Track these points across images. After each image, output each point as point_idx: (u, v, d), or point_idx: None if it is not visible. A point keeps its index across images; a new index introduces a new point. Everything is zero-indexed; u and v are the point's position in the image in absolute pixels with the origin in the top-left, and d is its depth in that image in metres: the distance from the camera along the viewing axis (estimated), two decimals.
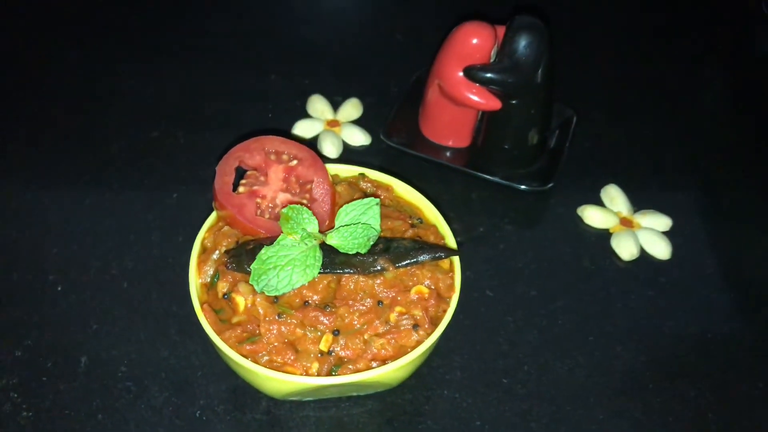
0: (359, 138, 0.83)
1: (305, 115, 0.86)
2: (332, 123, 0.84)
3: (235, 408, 0.61)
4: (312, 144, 0.82)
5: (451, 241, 0.61)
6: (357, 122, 0.85)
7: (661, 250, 0.74)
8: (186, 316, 0.66)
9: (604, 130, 0.87)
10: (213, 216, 0.62)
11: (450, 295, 0.57)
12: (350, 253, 0.56)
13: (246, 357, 0.53)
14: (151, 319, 0.67)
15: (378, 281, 0.56)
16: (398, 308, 0.55)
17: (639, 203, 0.78)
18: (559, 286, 0.72)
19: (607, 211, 0.77)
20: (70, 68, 0.90)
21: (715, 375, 0.65)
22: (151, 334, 0.66)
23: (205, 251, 0.60)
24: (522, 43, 0.71)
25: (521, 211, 0.78)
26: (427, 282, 0.57)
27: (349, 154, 0.82)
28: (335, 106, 0.87)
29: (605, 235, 0.76)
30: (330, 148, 0.81)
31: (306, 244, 0.56)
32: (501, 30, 0.74)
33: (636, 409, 0.63)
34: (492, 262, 0.73)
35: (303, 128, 0.84)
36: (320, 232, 0.58)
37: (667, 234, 0.76)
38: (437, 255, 0.57)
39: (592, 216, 0.77)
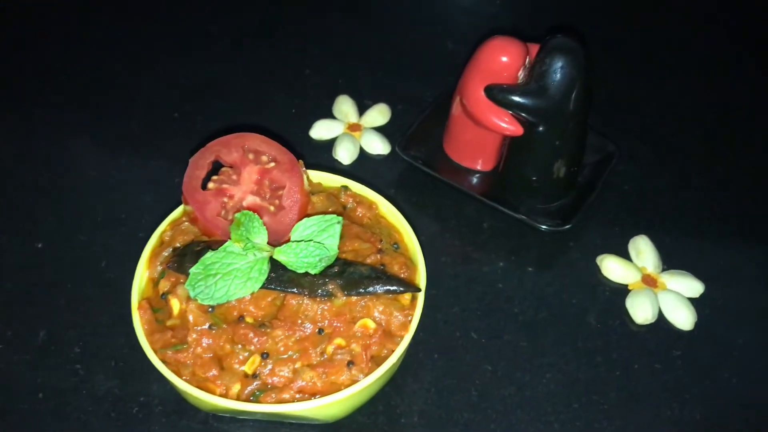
0: (378, 146, 0.78)
1: (330, 114, 0.82)
2: (353, 127, 0.80)
3: (174, 411, 0.58)
4: (327, 147, 0.78)
5: (420, 276, 0.56)
6: (380, 129, 0.80)
7: (683, 318, 0.65)
8: None
9: (648, 173, 0.77)
10: (179, 209, 0.59)
11: (402, 335, 0.52)
12: (299, 271, 0.52)
13: (168, 364, 0.50)
14: (119, 304, 0.64)
15: (324, 307, 0.51)
16: (338, 340, 0.51)
17: (670, 261, 0.69)
18: (553, 341, 0.64)
19: (630, 265, 0.69)
20: (120, 45, 0.91)
21: None
22: (113, 319, 0.64)
23: (162, 245, 0.57)
24: (553, 66, 0.64)
25: (533, 250, 0.71)
26: (378, 316, 0.52)
27: (363, 162, 0.77)
28: (363, 109, 0.82)
29: (622, 291, 0.68)
30: (343, 153, 0.77)
31: (254, 255, 0.52)
32: (534, 48, 0.67)
33: None
34: (485, 301, 0.66)
35: (321, 128, 0.80)
36: (280, 243, 0.54)
37: (694, 302, 0.66)
38: (393, 288, 0.52)
39: (611, 267, 0.68)
